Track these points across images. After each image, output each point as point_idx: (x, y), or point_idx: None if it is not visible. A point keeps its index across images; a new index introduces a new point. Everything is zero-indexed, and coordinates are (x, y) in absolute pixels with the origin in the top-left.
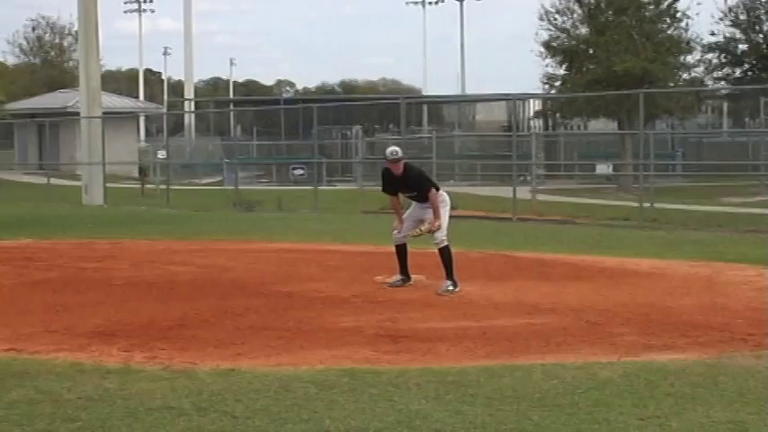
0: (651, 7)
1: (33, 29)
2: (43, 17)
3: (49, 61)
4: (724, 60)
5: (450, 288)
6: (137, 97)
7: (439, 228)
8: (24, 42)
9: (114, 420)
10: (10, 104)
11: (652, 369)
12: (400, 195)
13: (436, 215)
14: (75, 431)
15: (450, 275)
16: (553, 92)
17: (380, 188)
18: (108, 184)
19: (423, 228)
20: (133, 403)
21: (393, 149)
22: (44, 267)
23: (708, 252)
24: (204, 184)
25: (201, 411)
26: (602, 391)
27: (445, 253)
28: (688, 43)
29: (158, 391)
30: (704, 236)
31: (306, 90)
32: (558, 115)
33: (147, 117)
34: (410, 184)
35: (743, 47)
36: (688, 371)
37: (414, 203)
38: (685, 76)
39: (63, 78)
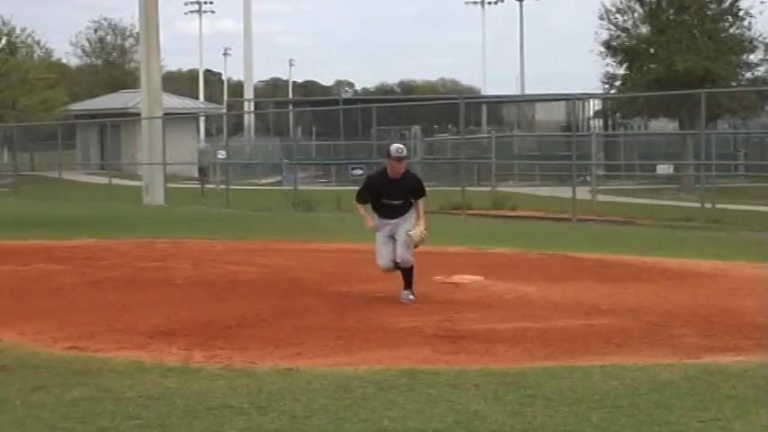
0: (713, 6)
1: (95, 30)
2: (105, 19)
3: (111, 62)
4: None
5: (411, 297)
6: (197, 98)
7: (426, 230)
8: (87, 44)
9: (174, 419)
10: (72, 105)
11: (713, 371)
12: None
13: (422, 221)
14: (136, 429)
15: (410, 286)
16: (613, 91)
17: (358, 195)
18: (168, 185)
19: (416, 238)
20: (193, 402)
21: (400, 146)
22: (105, 267)
23: None
24: (263, 185)
25: (260, 410)
26: (663, 392)
27: (409, 272)
28: (751, 42)
29: (218, 389)
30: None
31: (365, 90)
32: (618, 115)
33: (207, 117)
34: (407, 188)
35: None
36: (750, 373)
37: (379, 222)
38: (748, 75)
39: (124, 79)
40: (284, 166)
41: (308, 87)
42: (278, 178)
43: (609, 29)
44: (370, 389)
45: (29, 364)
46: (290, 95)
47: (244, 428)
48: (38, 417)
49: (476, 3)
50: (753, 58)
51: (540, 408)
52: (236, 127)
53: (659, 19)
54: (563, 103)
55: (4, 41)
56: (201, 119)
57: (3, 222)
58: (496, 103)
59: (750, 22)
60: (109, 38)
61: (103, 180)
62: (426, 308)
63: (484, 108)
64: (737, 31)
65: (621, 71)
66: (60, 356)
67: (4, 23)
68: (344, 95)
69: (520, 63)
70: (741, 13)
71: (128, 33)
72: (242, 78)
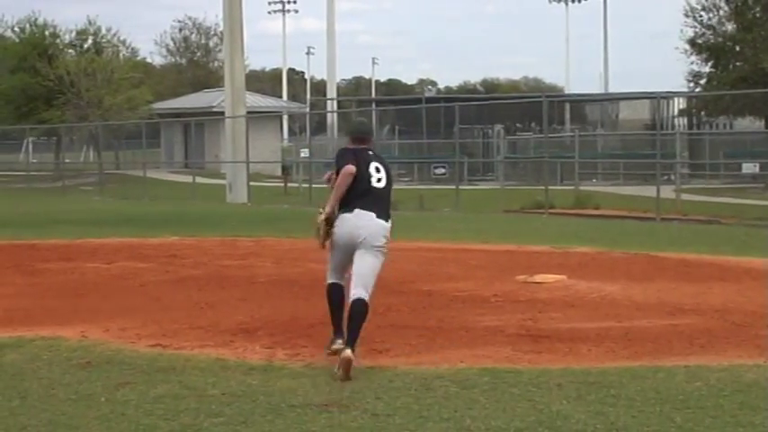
0: None
1: (180, 30)
2: (189, 18)
3: (195, 61)
4: None
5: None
6: (280, 97)
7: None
8: (171, 43)
9: (257, 416)
10: (157, 104)
11: None
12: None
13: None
14: (219, 426)
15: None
16: (698, 90)
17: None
18: (251, 183)
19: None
20: (276, 399)
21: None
22: (189, 264)
23: None
24: None
25: (343, 408)
26: (748, 394)
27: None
28: None
29: (300, 388)
30: None
31: (447, 89)
32: (702, 113)
33: (290, 116)
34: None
35: None
36: None
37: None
38: None
39: (208, 78)
40: None
41: (391, 86)
42: None
43: (694, 26)
44: (452, 388)
45: (113, 360)
46: (373, 94)
47: (326, 426)
48: (122, 413)
49: (559, 1)
50: None
51: (622, 408)
52: (319, 126)
53: (745, 16)
54: (647, 101)
55: (90, 41)
56: (285, 117)
57: (88, 220)
58: (579, 101)
59: None
60: (193, 37)
61: (187, 178)
62: (509, 307)
63: (567, 106)
64: None
65: (707, 69)
66: (144, 353)
67: (90, 23)
68: (427, 94)
69: (603, 61)
70: None
71: (212, 33)
72: (325, 77)
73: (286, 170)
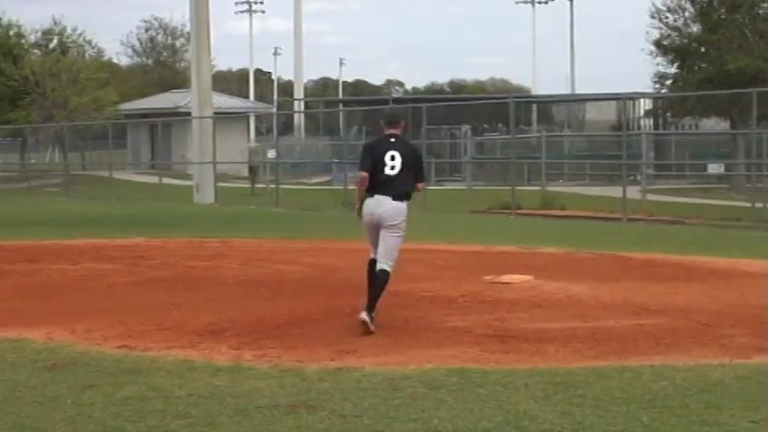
0: (765, 4)
1: (146, 30)
2: (156, 18)
3: (162, 62)
4: None
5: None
6: (247, 97)
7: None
8: (137, 43)
9: (224, 417)
10: (123, 105)
11: (764, 371)
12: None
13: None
14: (186, 427)
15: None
16: (664, 91)
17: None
18: (218, 184)
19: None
20: (243, 401)
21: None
22: (156, 266)
23: None
24: (313, 184)
25: (310, 409)
26: (713, 393)
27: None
28: None
29: (267, 389)
30: None
31: (415, 90)
32: (668, 114)
33: (257, 117)
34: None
35: None
36: None
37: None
38: None
39: (175, 79)
40: (334, 165)
41: (358, 87)
42: (328, 177)
43: (660, 28)
44: (419, 388)
45: (79, 362)
46: (340, 95)
47: (293, 427)
48: (88, 415)
49: (526, 2)
50: None
51: (589, 408)
52: (286, 126)
53: (710, 18)
54: (613, 102)
55: (55, 41)
56: (252, 118)
57: (53, 221)
58: (546, 102)
59: None
60: (159, 37)
61: (154, 179)
62: (476, 307)
63: (534, 107)
64: None
65: (672, 70)
66: (110, 355)
67: (55, 23)
68: (394, 95)
69: (570, 62)
70: None
71: (178, 33)
72: (292, 78)
73: (253, 171)
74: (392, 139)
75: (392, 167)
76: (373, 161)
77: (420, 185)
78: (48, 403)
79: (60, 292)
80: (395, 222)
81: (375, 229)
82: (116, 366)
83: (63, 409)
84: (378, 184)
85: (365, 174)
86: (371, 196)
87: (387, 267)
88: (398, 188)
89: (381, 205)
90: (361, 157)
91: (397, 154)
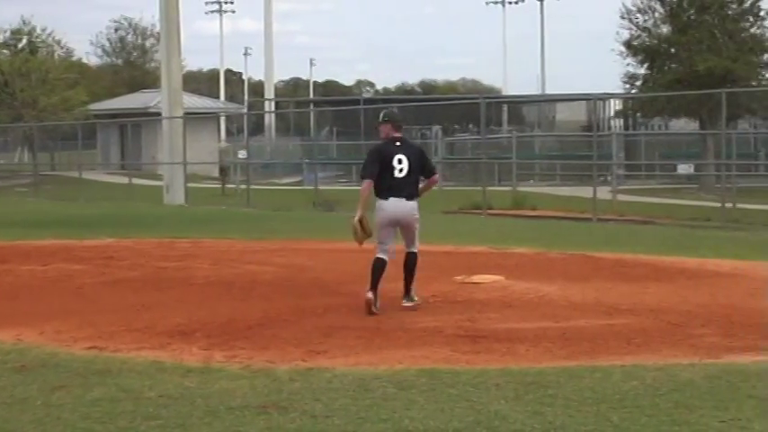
0: (734, 6)
1: (116, 30)
2: (126, 18)
3: (132, 62)
4: None
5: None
6: (218, 97)
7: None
8: (107, 43)
9: (194, 419)
10: (92, 105)
11: (733, 371)
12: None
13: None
14: (156, 429)
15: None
16: (634, 91)
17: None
18: (189, 184)
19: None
20: (213, 402)
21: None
22: (125, 266)
23: None
24: (284, 184)
25: (281, 410)
26: (683, 392)
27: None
28: None
29: (238, 389)
30: None
31: (386, 90)
32: (638, 115)
33: (227, 117)
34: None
35: None
36: None
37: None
38: None
39: (145, 79)
40: (305, 165)
41: (329, 87)
42: (298, 178)
43: (630, 29)
44: (390, 388)
45: (48, 363)
46: (311, 95)
47: (264, 428)
48: (57, 417)
49: (496, 3)
50: None
51: (560, 408)
52: (257, 127)
53: (680, 19)
54: (584, 102)
55: (24, 41)
56: (222, 118)
57: (22, 222)
58: (517, 102)
59: None
60: (129, 37)
61: (124, 180)
62: (447, 307)
63: (505, 108)
64: (758, 31)
65: (642, 71)
66: (80, 356)
67: (24, 23)
68: (365, 95)
69: (540, 63)
70: (762, 13)
71: (148, 33)
72: (262, 78)
73: (224, 171)
74: (397, 143)
75: (401, 170)
76: (381, 166)
77: (435, 178)
78: (17, 405)
79: (29, 292)
80: (415, 217)
81: (394, 227)
82: (86, 368)
83: (32, 410)
84: (389, 187)
85: (370, 182)
86: (385, 199)
87: (415, 250)
88: (409, 189)
89: (400, 207)
90: (366, 163)
91: (404, 157)
